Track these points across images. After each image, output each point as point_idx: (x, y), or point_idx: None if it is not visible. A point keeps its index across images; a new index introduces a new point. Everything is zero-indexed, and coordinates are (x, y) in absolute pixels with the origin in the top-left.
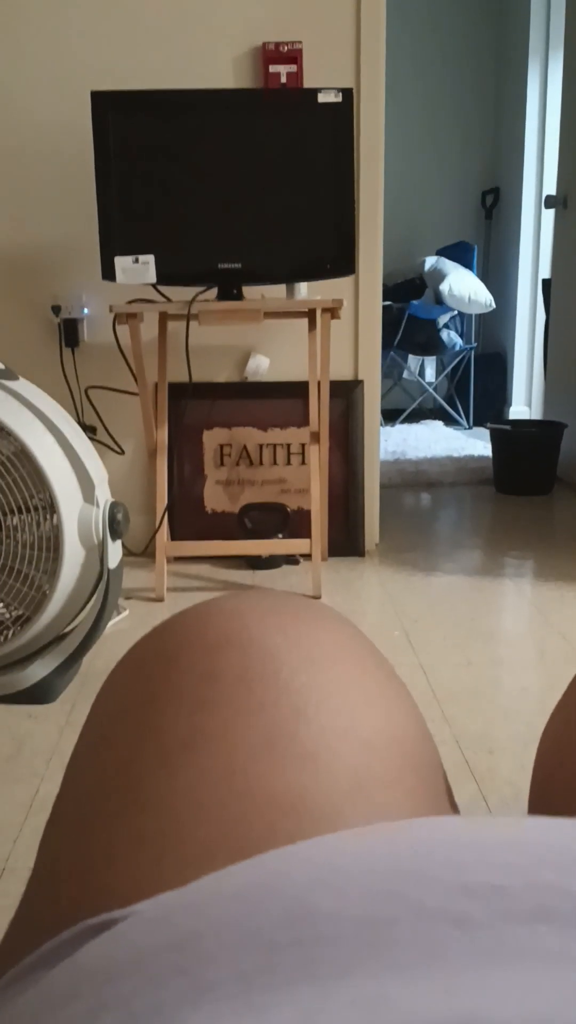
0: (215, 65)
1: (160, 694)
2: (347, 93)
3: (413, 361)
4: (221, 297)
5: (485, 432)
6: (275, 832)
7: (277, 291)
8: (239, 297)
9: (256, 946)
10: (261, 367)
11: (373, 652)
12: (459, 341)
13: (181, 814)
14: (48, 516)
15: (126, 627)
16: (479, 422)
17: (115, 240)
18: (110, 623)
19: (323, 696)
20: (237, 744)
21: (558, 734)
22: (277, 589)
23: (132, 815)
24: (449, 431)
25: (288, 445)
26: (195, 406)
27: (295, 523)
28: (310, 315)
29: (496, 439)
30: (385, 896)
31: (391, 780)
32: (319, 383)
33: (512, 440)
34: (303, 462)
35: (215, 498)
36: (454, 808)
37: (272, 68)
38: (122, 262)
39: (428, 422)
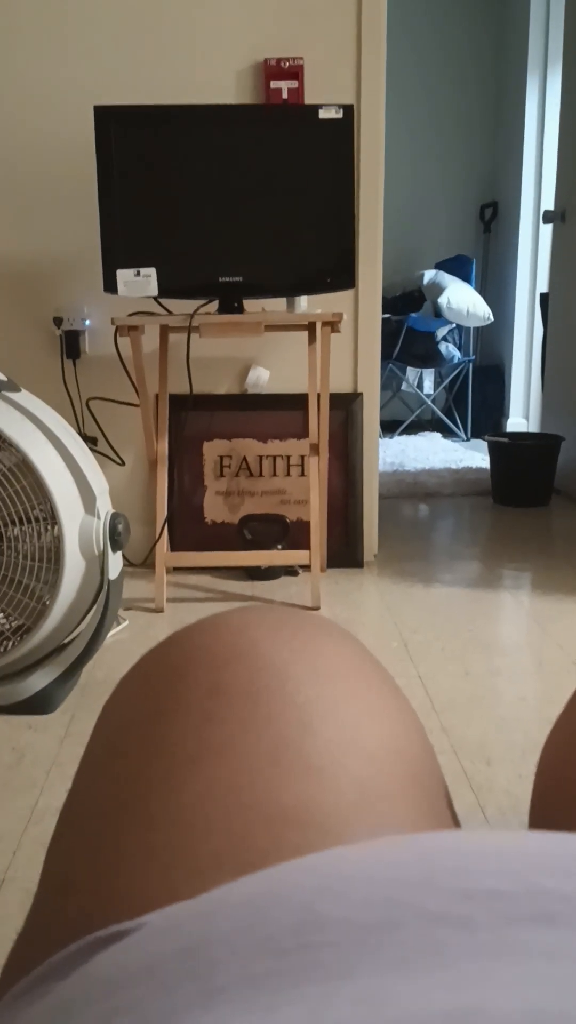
0: (217, 81)
1: (167, 708)
2: (348, 109)
3: (412, 373)
4: (222, 310)
5: (483, 444)
6: (282, 844)
7: (277, 304)
8: (240, 310)
9: (265, 951)
10: (261, 379)
11: (376, 666)
12: (457, 353)
13: (189, 826)
14: (49, 527)
15: (126, 638)
16: (477, 434)
17: (117, 253)
18: (110, 634)
19: (328, 709)
20: (244, 757)
21: (559, 748)
22: (277, 601)
23: (141, 828)
24: (447, 443)
25: (288, 456)
26: (195, 417)
27: (294, 534)
28: (310, 328)
29: (494, 451)
30: (389, 902)
31: (395, 792)
32: (319, 395)
33: (510, 452)
34: (303, 473)
35: (215, 509)
36: (455, 819)
37: (273, 84)
38: (124, 275)
39: (426, 434)
